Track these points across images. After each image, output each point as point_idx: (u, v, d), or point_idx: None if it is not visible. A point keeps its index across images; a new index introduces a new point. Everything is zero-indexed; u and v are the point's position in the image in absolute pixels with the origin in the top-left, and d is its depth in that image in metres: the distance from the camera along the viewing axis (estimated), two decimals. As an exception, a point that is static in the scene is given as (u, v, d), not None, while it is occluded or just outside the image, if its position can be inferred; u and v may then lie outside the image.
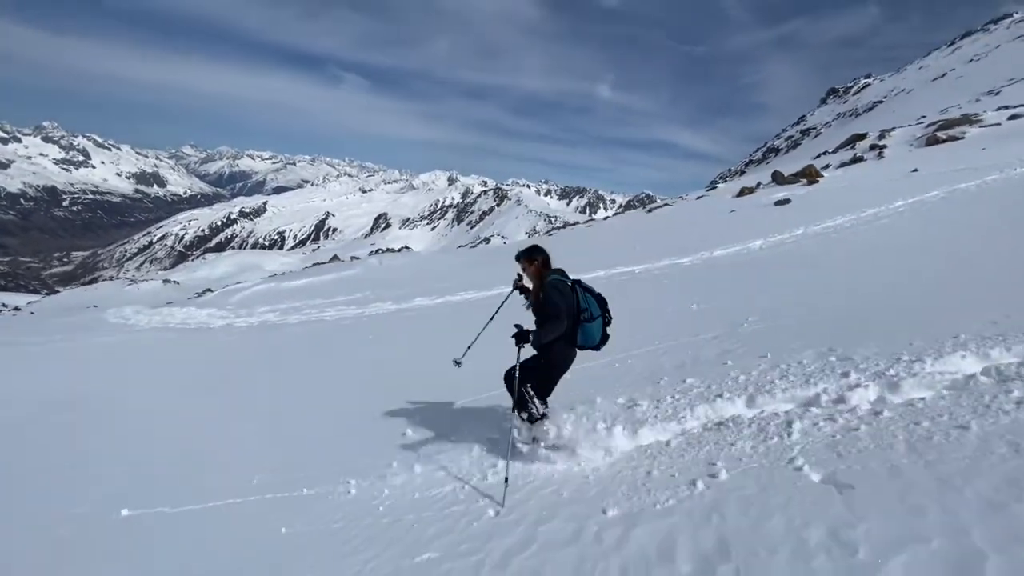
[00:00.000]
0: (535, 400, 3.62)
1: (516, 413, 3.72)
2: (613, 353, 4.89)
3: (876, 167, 23.11)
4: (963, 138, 26.49)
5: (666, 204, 29.29)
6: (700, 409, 3.69)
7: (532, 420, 3.62)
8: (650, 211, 28.49)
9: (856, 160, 26.60)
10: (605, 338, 3.62)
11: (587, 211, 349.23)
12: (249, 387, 7.07)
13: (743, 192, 23.99)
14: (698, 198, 28.47)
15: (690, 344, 5.22)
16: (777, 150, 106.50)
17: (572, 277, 3.66)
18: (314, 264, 36.04)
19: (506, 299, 3.95)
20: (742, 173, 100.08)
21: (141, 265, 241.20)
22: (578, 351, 3.63)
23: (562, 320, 3.38)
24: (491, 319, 4.03)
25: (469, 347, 4.02)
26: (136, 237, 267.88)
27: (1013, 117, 26.70)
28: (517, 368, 3.56)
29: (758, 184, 25.12)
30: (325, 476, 3.83)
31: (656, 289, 9.39)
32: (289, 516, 3.35)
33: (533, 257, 3.65)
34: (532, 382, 3.63)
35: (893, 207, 11.90)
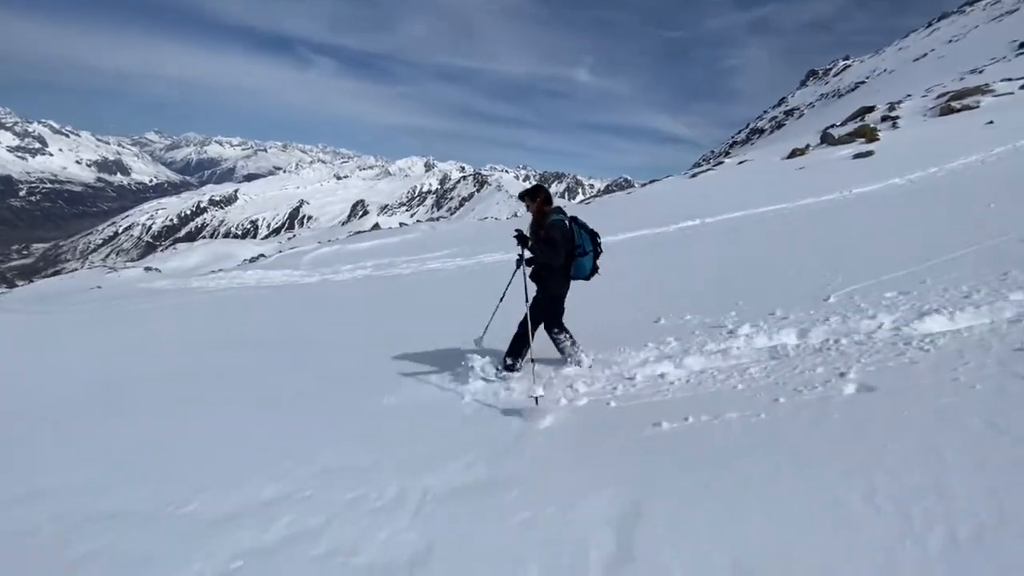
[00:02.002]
0: (568, 339, 4.07)
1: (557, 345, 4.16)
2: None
3: (933, 126, 23.48)
4: (977, 107, 26.55)
5: (708, 170, 28.94)
6: None
7: (507, 365, 4.04)
8: (694, 176, 28.13)
9: (894, 125, 26.78)
10: (595, 270, 4.01)
11: (566, 196, 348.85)
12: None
13: (795, 153, 24.13)
14: (740, 163, 28.32)
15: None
16: (761, 131, 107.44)
17: (569, 215, 3.98)
18: (329, 240, 34.93)
19: (511, 279, 4.15)
20: (727, 154, 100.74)
21: (107, 256, 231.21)
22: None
23: (559, 250, 3.75)
24: (501, 299, 4.31)
25: (487, 327, 4.27)
26: (100, 228, 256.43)
27: (1024, 87, 26.89)
28: (522, 258, 4.00)
29: (808, 146, 25.23)
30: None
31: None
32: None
33: (536, 195, 4.02)
34: (542, 319, 4.03)
35: (995, 152, 11.75)
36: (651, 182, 32.66)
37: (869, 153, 18.13)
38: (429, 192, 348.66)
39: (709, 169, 29.71)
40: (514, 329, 4.08)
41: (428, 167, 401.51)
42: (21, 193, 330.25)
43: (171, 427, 4.09)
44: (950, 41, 79.18)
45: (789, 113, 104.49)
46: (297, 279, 14.54)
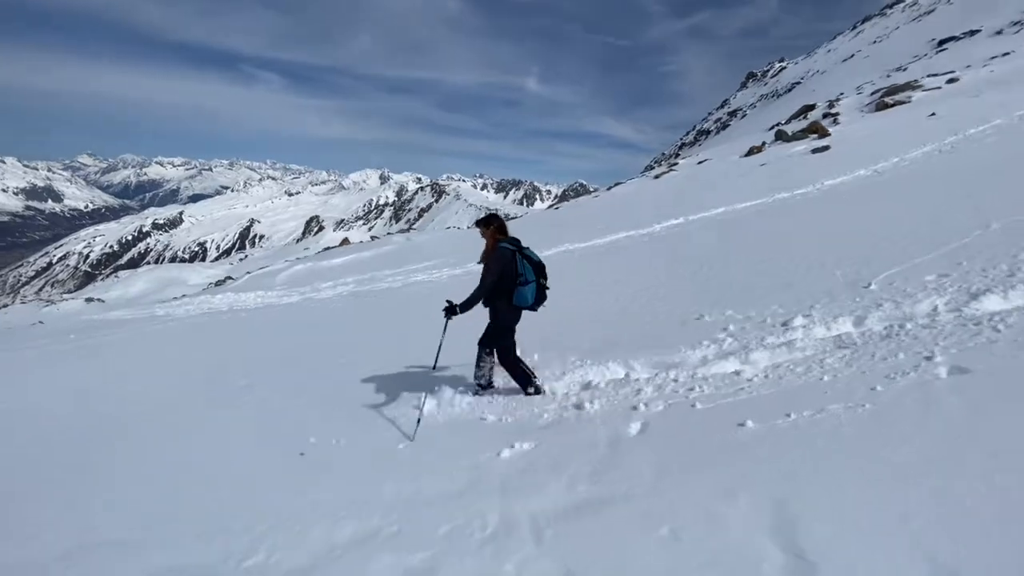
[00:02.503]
0: (488, 365, 4.29)
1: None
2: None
3: (876, 120, 24.81)
4: (909, 102, 28.40)
5: (668, 171, 29.55)
6: None
7: (478, 383, 4.32)
8: (657, 177, 28.72)
9: (835, 121, 28.17)
10: (540, 300, 4.10)
11: (524, 203, 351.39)
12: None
13: (752, 151, 24.99)
14: (699, 163, 29.06)
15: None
16: (708, 132, 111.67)
17: (524, 248, 4.12)
18: (297, 258, 33.69)
19: (444, 332, 4.27)
20: (677, 155, 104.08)
21: (41, 289, 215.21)
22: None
23: (484, 288, 3.93)
24: (440, 347, 4.35)
25: (437, 356, 4.33)
26: (32, 259, 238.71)
27: (951, 81, 29.03)
28: (442, 338, 4.25)
29: (764, 143, 26.21)
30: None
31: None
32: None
33: (489, 223, 4.20)
34: (492, 346, 4.20)
35: (948, 142, 12.48)
36: (615, 184, 33.22)
37: (826, 148, 18.97)
38: (386, 204, 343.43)
39: (669, 170, 30.52)
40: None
41: (383, 179, 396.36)
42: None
43: (202, 466, 3.71)
44: (875, 42, 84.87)
45: (732, 114, 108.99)
46: (274, 300, 13.77)
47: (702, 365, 3.74)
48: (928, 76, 34.22)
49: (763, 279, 5.72)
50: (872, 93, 32.93)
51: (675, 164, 36.06)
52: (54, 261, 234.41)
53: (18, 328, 22.83)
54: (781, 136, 25.52)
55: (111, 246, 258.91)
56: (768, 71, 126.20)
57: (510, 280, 3.97)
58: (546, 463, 2.93)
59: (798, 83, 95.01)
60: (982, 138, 12.16)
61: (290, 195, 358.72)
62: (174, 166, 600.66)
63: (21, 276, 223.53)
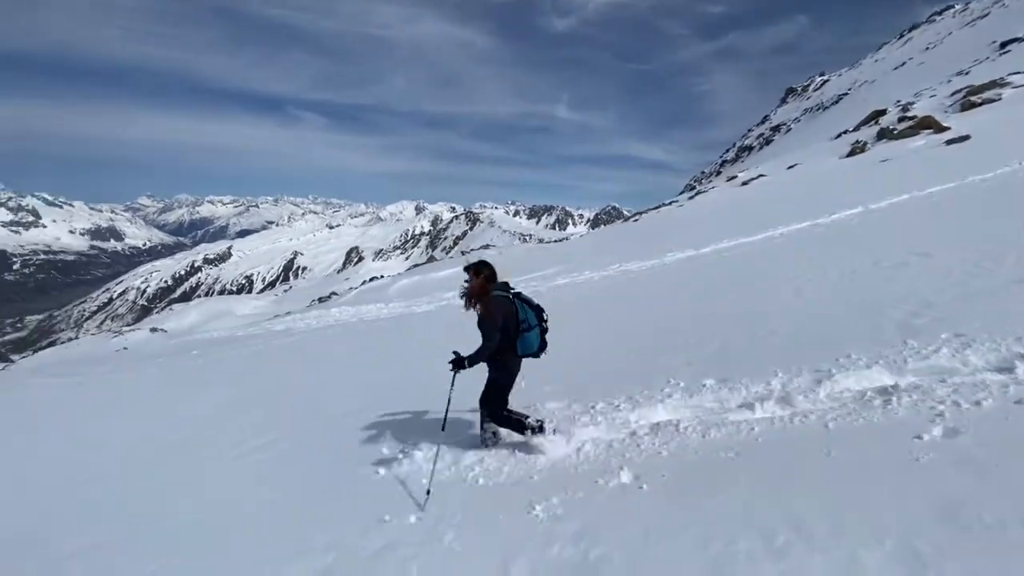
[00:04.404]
0: (495, 425, 4.04)
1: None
2: None
3: (977, 116, 23.76)
4: (1000, 99, 26.48)
5: (762, 176, 28.64)
6: None
7: (485, 444, 4.06)
8: (745, 184, 28.18)
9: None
10: (543, 346, 3.95)
11: (556, 227, 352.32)
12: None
13: (854, 151, 24.69)
14: (789, 168, 28.36)
15: None
16: (750, 148, 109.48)
17: (514, 290, 3.97)
18: (399, 273, 35.05)
19: (452, 386, 4.04)
20: (718, 173, 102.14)
21: (101, 323, 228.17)
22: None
23: (493, 340, 3.69)
24: (449, 402, 4.06)
25: (445, 417, 4.02)
26: (95, 295, 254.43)
27: (1043, 76, 27.07)
28: (450, 393, 3.98)
29: (865, 143, 25.75)
30: None
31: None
32: None
33: (479, 271, 3.92)
34: (494, 403, 3.98)
35: None
36: (696, 193, 32.16)
37: (964, 138, 17.99)
38: (422, 234, 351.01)
39: (756, 177, 29.25)
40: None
41: (419, 210, 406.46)
42: (15, 267, 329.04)
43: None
44: (927, 48, 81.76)
45: (776, 129, 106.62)
46: (403, 310, 14.03)
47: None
48: (1013, 74, 32.00)
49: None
50: (952, 95, 30.98)
51: (756, 175, 34.55)
52: (114, 296, 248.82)
53: (110, 354, 23.56)
54: (885, 135, 25.03)
55: (166, 281, 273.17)
56: (808, 85, 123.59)
57: (514, 328, 3.78)
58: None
59: (845, 94, 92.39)
60: None
61: (331, 228, 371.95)
62: (223, 204, 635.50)
63: (84, 311, 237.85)
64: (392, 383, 6.38)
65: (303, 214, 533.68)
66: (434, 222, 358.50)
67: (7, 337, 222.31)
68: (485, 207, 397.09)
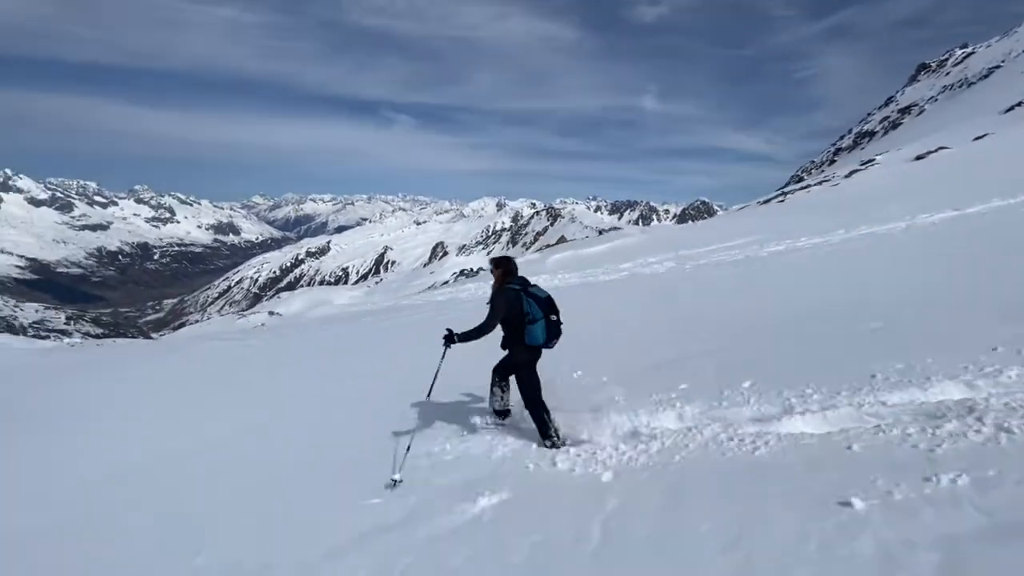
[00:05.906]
0: (500, 393, 4.52)
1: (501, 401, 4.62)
2: None
3: None
4: None
5: (942, 148, 25.97)
6: None
7: (494, 408, 4.62)
8: (920, 158, 26.04)
9: None
10: (554, 336, 4.19)
11: (640, 223, 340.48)
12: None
13: None
14: (975, 139, 25.58)
15: None
16: (871, 134, 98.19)
17: (532, 283, 4.29)
18: (547, 245, 36.57)
19: (441, 361, 4.39)
20: (832, 162, 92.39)
21: (222, 308, 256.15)
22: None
23: (491, 324, 4.02)
24: (436, 376, 4.44)
25: (432, 384, 4.40)
26: (216, 283, 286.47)
27: None
28: (439, 365, 4.40)
29: None
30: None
31: None
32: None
33: (499, 266, 4.39)
34: (501, 376, 4.49)
35: None
36: (854, 172, 29.22)
37: None
38: (503, 230, 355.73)
39: (936, 150, 26.06)
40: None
41: (500, 206, 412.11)
42: (155, 257, 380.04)
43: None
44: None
45: (905, 111, 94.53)
46: (563, 280, 15.41)
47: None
48: None
49: None
50: None
51: (933, 150, 30.27)
52: (232, 285, 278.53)
53: (241, 331, 25.79)
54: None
55: (274, 271, 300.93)
56: (947, 59, 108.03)
57: (518, 320, 4.06)
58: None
59: (998, 67, 79.90)
60: None
61: (418, 224, 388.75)
62: (324, 202, 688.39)
63: (208, 297, 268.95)
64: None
65: (393, 211, 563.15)
66: (515, 218, 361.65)
67: (149, 317, 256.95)
68: (566, 203, 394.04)
